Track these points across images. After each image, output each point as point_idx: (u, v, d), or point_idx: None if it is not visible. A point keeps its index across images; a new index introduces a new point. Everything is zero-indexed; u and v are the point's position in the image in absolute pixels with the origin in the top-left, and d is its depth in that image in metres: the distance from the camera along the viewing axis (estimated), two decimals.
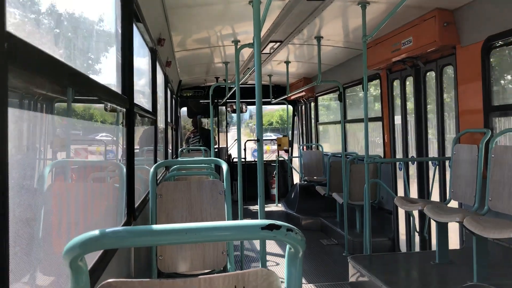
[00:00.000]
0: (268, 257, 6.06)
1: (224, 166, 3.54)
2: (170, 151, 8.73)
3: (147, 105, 4.80)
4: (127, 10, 2.81)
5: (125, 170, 2.97)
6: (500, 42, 4.33)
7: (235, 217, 6.37)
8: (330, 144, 10.81)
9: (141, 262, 3.41)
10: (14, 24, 1.53)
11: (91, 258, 2.07)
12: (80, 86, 1.78)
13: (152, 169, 3.53)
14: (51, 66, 1.36)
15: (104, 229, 1.07)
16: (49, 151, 2.16)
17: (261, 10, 3.57)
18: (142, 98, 4.65)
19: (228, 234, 1.07)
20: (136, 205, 3.20)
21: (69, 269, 1.09)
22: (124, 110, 2.82)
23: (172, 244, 1.04)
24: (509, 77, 4.80)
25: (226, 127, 12.92)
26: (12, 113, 1.51)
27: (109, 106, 2.82)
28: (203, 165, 5.32)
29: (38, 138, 1.98)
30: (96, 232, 1.06)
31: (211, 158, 4.01)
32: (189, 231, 1.04)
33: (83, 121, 2.61)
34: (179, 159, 5.69)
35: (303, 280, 5.72)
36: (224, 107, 12.53)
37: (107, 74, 2.90)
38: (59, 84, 1.61)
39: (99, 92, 2.14)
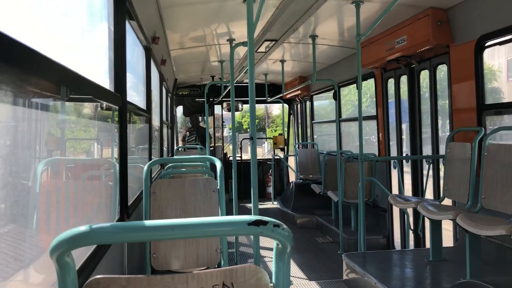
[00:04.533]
0: (265, 253, 6.08)
1: (218, 164, 3.54)
2: (166, 149, 8.72)
3: (141, 103, 4.80)
4: (119, 7, 2.81)
5: (118, 168, 2.97)
6: (492, 41, 4.35)
7: (229, 215, 6.38)
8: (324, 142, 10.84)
9: (135, 260, 3.41)
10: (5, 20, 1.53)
11: (83, 255, 2.08)
12: (72, 84, 1.78)
13: (146, 167, 3.53)
14: (42, 64, 1.37)
15: (89, 225, 1.07)
16: (43, 149, 2.17)
17: (255, 9, 3.58)
18: (136, 97, 4.64)
19: (215, 230, 1.08)
20: (129, 203, 3.20)
21: (56, 265, 1.10)
22: (117, 107, 2.82)
23: (159, 240, 1.04)
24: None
25: (222, 125, 12.91)
26: (4, 111, 1.51)
27: (104, 104, 2.82)
28: (198, 163, 5.32)
29: (33, 135, 1.99)
30: (82, 227, 1.06)
31: (205, 156, 4.01)
32: (175, 227, 1.05)
33: (77, 119, 2.61)
34: (174, 157, 5.68)
35: (301, 276, 5.74)
36: (220, 106, 12.53)
37: (99, 71, 2.90)
38: (51, 82, 1.61)
39: (92, 90, 2.14)
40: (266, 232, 1.08)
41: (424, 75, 5.79)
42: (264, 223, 1.08)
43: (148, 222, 1.06)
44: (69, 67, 1.68)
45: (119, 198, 2.91)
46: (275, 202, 11.07)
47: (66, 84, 1.69)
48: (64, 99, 1.98)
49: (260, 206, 10.96)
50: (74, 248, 1.07)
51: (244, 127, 37.74)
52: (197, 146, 9.12)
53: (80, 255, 2.04)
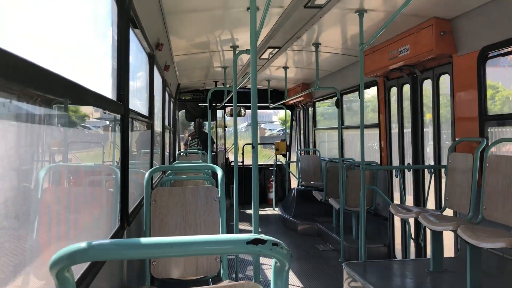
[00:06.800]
0: (265, 260, 6.06)
1: (219, 172, 3.54)
2: (168, 154, 8.73)
3: (144, 109, 4.82)
4: (123, 16, 2.82)
5: (119, 175, 2.98)
6: (495, 52, 4.35)
7: (230, 222, 6.40)
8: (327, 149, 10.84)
9: (134, 267, 3.41)
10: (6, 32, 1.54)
11: (83, 264, 2.08)
12: (74, 95, 1.79)
13: (147, 174, 3.53)
14: (43, 77, 1.38)
15: (91, 241, 1.08)
16: (45, 156, 2.18)
17: (259, 17, 3.59)
18: (138, 103, 4.66)
19: (213, 248, 1.09)
20: (130, 211, 3.21)
21: (56, 280, 1.10)
22: (119, 116, 2.83)
23: (157, 257, 1.05)
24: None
25: (224, 130, 12.93)
26: (6, 123, 1.52)
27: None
28: (199, 169, 5.33)
29: (35, 144, 2.00)
30: (82, 244, 1.07)
31: (207, 164, 4.01)
32: (174, 245, 1.05)
33: (78, 128, 2.62)
34: (175, 164, 5.69)
35: (300, 284, 5.73)
36: (222, 111, 12.56)
37: (103, 79, 2.92)
38: (53, 94, 1.62)
39: (94, 100, 2.15)
40: (265, 251, 1.09)
41: (427, 85, 5.79)
42: (263, 241, 1.08)
43: (147, 240, 1.07)
44: (72, 80, 1.69)
45: (119, 206, 2.91)
46: (277, 209, 11.06)
47: (69, 96, 1.71)
48: (67, 110, 1.99)
49: (261, 213, 10.96)
50: (73, 264, 1.08)
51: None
52: (199, 151, 9.12)
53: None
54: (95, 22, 2.74)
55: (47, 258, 1.97)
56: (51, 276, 1.10)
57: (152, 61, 4.80)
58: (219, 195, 3.48)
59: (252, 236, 1.09)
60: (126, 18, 2.86)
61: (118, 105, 2.71)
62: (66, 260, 1.05)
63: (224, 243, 1.09)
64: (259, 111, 10.99)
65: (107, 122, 3.37)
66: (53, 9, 2.03)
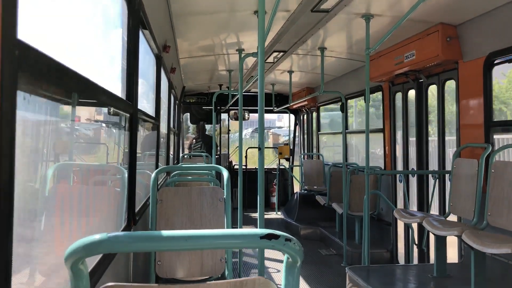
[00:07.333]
0: (268, 263, 6.06)
1: (225, 174, 3.56)
2: (172, 156, 8.75)
3: (150, 110, 4.84)
4: (134, 17, 2.85)
5: (126, 174, 3.00)
6: (502, 59, 4.36)
7: (234, 225, 6.41)
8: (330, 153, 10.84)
9: (139, 267, 3.42)
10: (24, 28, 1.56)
11: (90, 262, 2.09)
12: (85, 91, 1.81)
13: (153, 175, 3.55)
14: (58, 71, 1.40)
15: (105, 233, 1.09)
16: (52, 154, 2.19)
17: (266, 21, 3.61)
18: (145, 104, 4.68)
19: (227, 242, 1.10)
20: (136, 210, 3.22)
21: (70, 272, 1.11)
22: (128, 115, 2.86)
23: (172, 250, 1.06)
24: None
25: (228, 134, 12.95)
26: (19, 116, 1.54)
27: (111, 109, 2.84)
28: (204, 171, 5.34)
29: (42, 140, 2.01)
30: (97, 236, 1.08)
31: (212, 165, 4.03)
32: (189, 238, 1.06)
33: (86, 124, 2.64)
34: (181, 165, 5.71)
35: None
36: (227, 114, 12.59)
37: (112, 79, 2.94)
38: (65, 89, 1.64)
39: (104, 97, 2.17)
40: (278, 246, 1.10)
41: (432, 90, 5.80)
42: (276, 237, 1.09)
43: (162, 233, 1.08)
44: (83, 74, 1.71)
45: (126, 205, 2.93)
46: (279, 212, 11.05)
47: (79, 91, 1.72)
48: (75, 105, 2.01)
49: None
50: (89, 256, 1.09)
51: None
52: (203, 154, 9.14)
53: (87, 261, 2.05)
54: (106, 23, 2.76)
55: (53, 255, 1.98)
56: (66, 268, 1.11)
57: (159, 62, 4.83)
58: (224, 196, 3.49)
59: (265, 231, 1.10)
60: (136, 19, 2.89)
61: (128, 104, 2.73)
62: (81, 252, 1.07)
63: (237, 237, 1.10)
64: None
65: (103, 125, 3.38)
66: (64, 10, 2.05)
